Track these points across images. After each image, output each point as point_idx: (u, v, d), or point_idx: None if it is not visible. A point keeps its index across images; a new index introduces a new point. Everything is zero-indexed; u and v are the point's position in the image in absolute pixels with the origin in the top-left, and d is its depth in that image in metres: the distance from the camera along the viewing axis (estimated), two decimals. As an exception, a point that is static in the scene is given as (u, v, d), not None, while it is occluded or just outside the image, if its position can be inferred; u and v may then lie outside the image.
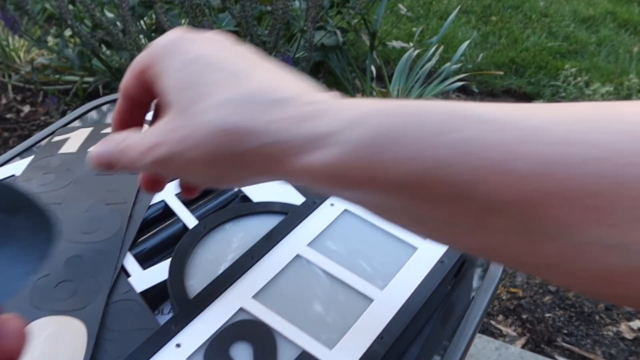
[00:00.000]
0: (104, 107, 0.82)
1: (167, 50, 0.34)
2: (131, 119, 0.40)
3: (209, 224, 0.54)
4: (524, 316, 1.53)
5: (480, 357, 1.37)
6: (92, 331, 0.49)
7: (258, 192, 0.63)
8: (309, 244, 0.52)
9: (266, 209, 0.57)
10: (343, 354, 0.44)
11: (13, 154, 0.71)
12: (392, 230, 0.54)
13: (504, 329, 1.50)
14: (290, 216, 0.55)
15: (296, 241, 0.52)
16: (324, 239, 0.53)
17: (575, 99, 2.06)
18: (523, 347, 1.45)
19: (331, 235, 0.53)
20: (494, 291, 0.58)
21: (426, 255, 0.52)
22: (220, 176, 0.32)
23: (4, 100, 2.30)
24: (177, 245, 0.52)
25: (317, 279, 0.50)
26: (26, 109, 2.26)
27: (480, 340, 1.43)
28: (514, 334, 1.49)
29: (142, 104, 0.39)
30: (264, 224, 0.55)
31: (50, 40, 2.03)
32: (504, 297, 1.58)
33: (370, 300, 0.48)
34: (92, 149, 0.36)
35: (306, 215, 0.54)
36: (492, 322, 1.52)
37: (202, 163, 0.31)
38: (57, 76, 2.20)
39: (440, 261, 0.51)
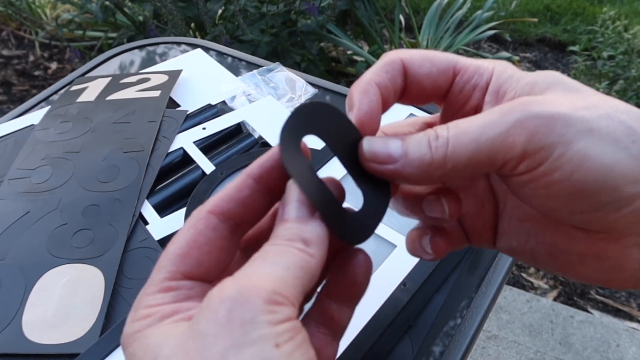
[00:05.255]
0: (122, 56, 0.80)
1: None
2: None
3: (226, 170, 0.52)
4: (556, 268, 1.50)
5: (511, 310, 1.36)
6: (109, 278, 0.48)
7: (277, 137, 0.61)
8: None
9: (286, 154, 0.55)
10: (364, 301, 0.42)
11: (31, 104, 0.70)
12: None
13: (536, 282, 1.48)
14: (311, 160, 0.53)
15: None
16: (345, 182, 0.51)
17: (613, 44, 1.97)
18: (555, 299, 1.43)
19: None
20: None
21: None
22: None
23: (31, 58, 2.30)
24: (194, 191, 0.50)
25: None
26: (53, 65, 2.27)
27: (511, 292, 1.41)
28: (546, 286, 1.46)
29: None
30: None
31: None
32: (535, 250, 1.55)
33: (393, 246, 0.46)
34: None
35: (327, 159, 0.52)
36: (523, 275, 1.50)
37: None
38: (81, 32, 2.19)
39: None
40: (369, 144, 0.27)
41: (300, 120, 0.27)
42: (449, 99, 0.31)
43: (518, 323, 1.33)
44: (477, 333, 0.50)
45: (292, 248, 0.24)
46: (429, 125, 0.32)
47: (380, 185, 0.28)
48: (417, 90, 0.30)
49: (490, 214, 0.32)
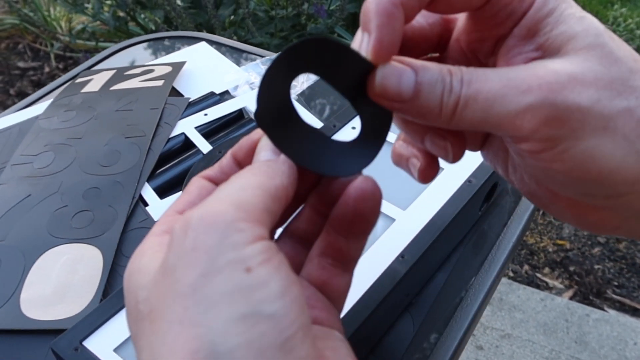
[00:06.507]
0: (127, 51, 0.81)
1: None
2: None
3: (225, 149, 0.52)
4: (572, 268, 1.48)
5: (525, 308, 1.34)
6: (107, 257, 0.48)
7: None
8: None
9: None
10: (363, 272, 0.42)
11: (36, 97, 0.71)
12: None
13: (551, 282, 1.46)
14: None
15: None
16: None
17: (625, 42, 1.94)
18: (571, 299, 1.40)
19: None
20: (529, 218, 0.55)
21: (452, 174, 0.49)
22: None
23: (46, 69, 2.33)
24: (192, 169, 0.50)
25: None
26: (68, 76, 2.29)
27: (525, 291, 1.39)
28: (561, 286, 1.44)
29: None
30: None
31: (89, 8, 2.03)
32: (550, 250, 1.53)
33: (392, 219, 0.46)
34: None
35: (332, 133, 0.52)
36: (538, 275, 1.47)
37: None
38: (93, 42, 2.21)
39: (468, 180, 0.48)
40: (382, 78, 0.25)
41: (291, 60, 0.24)
42: (478, 17, 0.27)
43: (532, 322, 1.31)
44: (480, 312, 0.49)
45: (248, 173, 0.23)
46: (446, 21, 0.30)
47: (381, 113, 0.27)
48: (445, 4, 0.26)
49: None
